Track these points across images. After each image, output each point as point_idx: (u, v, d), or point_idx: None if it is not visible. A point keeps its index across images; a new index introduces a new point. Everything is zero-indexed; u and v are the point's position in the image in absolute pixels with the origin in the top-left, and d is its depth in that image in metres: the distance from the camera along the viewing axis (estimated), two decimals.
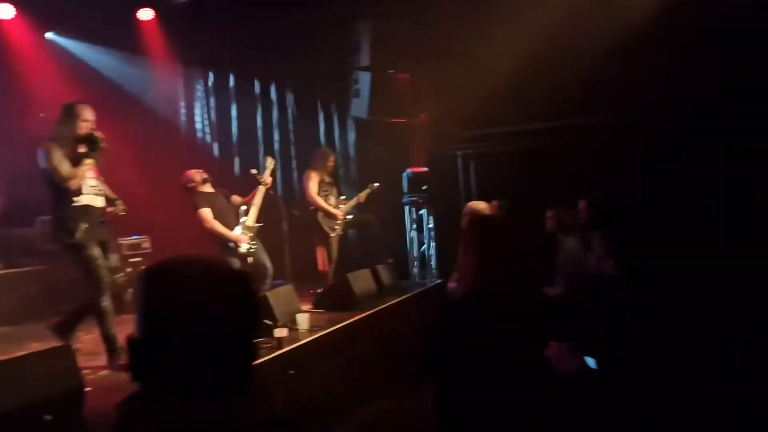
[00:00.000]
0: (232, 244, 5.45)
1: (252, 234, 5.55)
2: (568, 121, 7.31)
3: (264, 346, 4.10)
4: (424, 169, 7.46)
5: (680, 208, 4.54)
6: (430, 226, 7.32)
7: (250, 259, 5.48)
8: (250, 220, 5.56)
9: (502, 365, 2.11)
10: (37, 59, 7.55)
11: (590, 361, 1.78)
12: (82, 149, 4.07)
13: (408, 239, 7.38)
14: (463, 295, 2.24)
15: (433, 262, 7.30)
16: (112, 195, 4.39)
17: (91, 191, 4.12)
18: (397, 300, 5.93)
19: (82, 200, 4.06)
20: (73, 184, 4.01)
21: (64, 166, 3.98)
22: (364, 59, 7.29)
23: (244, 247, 5.44)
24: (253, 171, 5.81)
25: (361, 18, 7.24)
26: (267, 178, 5.64)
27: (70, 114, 4.11)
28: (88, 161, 4.05)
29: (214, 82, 8.15)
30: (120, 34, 7.55)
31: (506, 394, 2.14)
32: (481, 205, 5.05)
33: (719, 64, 6.23)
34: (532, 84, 6.99)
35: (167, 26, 7.83)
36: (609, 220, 1.89)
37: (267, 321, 4.36)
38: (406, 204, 7.36)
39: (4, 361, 2.97)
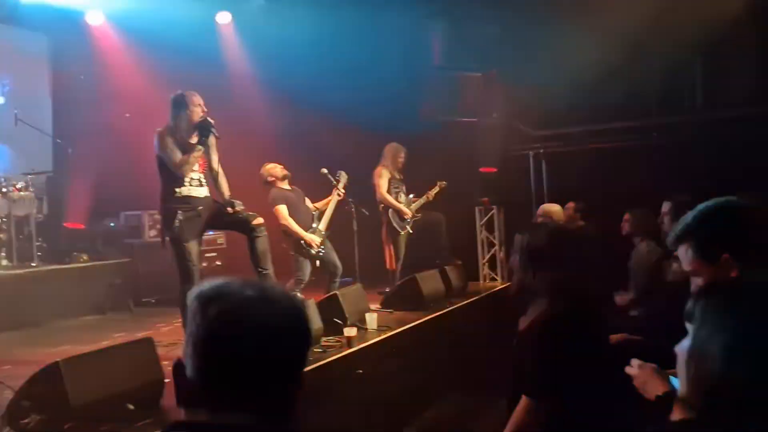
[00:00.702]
0: (303, 243, 5.54)
1: (323, 238, 5.63)
2: (648, 120, 7.03)
3: (334, 344, 4.16)
4: (495, 169, 7.34)
5: None
6: (501, 227, 7.20)
7: (317, 262, 5.59)
8: (322, 225, 5.65)
9: (607, 383, 2.08)
10: (123, 61, 7.94)
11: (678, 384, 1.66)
12: (194, 138, 4.23)
13: (478, 240, 7.28)
14: (558, 311, 2.18)
15: (503, 265, 7.18)
16: (228, 193, 4.52)
17: (193, 183, 4.29)
18: (466, 302, 5.88)
19: (183, 191, 4.23)
20: (184, 171, 4.19)
21: (176, 154, 4.17)
22: (437, 58, 7.25)
23: (315, 249, 5.54)
24: (324, 170, 5.87)
25: (434, 17, 7.20)
26: (341, 189, 5.73)
27: (180, 103, 4.30)
28: (199, 148, 4.21)
29: (287, 82, 8.30)
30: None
31: (617, 414, 2.11)
32: (555, 208, 4.93)
33: None
34: (610, 81, 6.76)
35: (243, 29, 8.07)
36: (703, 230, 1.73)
37: (337, 320, 4.41)
38: (476, 204, 7.27)
39: (93, 352, 3.14)
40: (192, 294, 1.07)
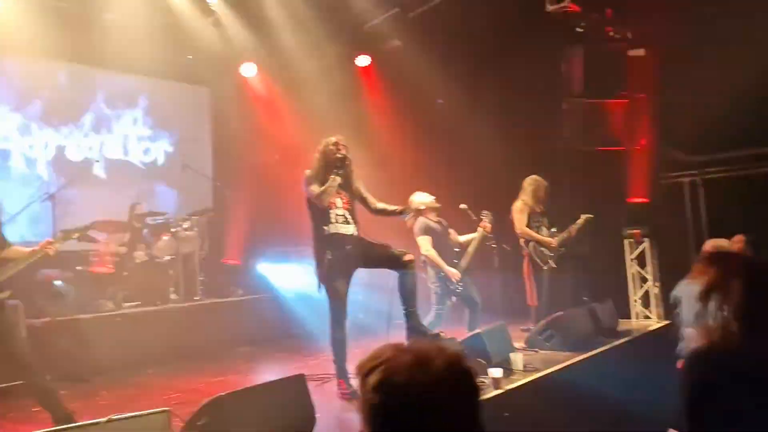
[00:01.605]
0: (443, 275, 5.52)
1: (463, 273, 5.57)
2: None
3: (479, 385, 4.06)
4: (645, 199, 6.89)
5: None
6: (654, 261, 6.72)
7: (454, 298, 5.54)
8: (464, 261, 5.60)
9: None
10: (273, 107, 8.56)
11: None
12: (332, 173, 4.46)
13: (628, 275, 6.84)
14: (716, 349, 1.98)
15: (657, 302, 6.68)
16: (391, 206, 4.67)
17: (339, 219, 4.49)
18: (618, 342, 5.51)
19: (330, 228, 4.43)
20: (323, 200, 4.40)
21: (315, 188, 4.42)
22: (577, 87, 7.02)
23: (454, 285, 5.50)
24: (463, 206, 5.85)
25: (573, 45, 7.00)
26: (488, 224, 5.67)
27: (320, 145, 4.58)
28: (334, 178, 4.42)
29: (424, 119, 8.46)
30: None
31: None
32: (723, 243, 4.50)
33: None
34: None
35: (383, 70, 8.38)
36: None
37: (481, 360, 4.31)
38: (626, 237, 6.85)
39: (252, 387, 3.33)
40: (357, 365, 1.12)
